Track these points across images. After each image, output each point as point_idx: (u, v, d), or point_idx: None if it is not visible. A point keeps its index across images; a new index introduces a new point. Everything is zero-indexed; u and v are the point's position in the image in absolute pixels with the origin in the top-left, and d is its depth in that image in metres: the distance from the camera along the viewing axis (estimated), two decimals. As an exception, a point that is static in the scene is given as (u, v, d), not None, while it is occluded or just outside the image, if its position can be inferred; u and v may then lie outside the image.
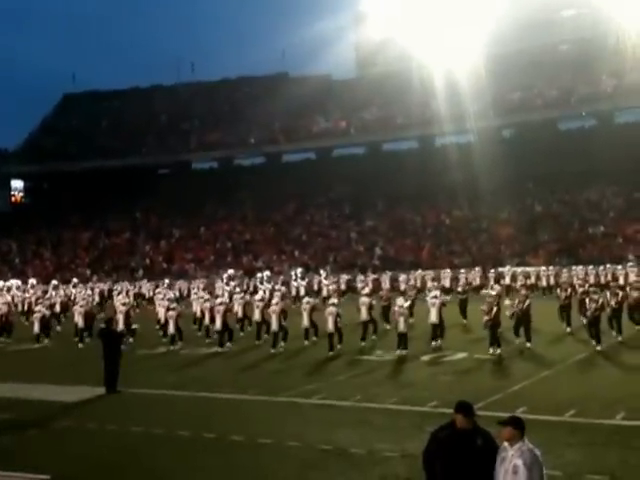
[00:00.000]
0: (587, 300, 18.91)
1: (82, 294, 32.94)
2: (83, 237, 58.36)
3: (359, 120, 57.28)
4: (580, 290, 20.67)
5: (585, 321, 18.90)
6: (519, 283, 29.64)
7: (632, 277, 28.57)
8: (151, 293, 37.17)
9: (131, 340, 22.92)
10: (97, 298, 35.05)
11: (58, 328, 28.29)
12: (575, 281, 27.49)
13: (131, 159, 60.41)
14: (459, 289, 26.23)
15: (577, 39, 53.13)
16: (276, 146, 59.10)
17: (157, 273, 48.66)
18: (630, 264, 35.55)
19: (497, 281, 32.73)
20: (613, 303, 19.82)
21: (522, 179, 47.58)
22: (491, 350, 17.94)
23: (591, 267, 35.40)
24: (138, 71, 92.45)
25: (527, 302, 19.29)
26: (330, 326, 19.72)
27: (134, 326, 23.66)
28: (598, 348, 17.81)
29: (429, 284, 30.93)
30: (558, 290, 22.49)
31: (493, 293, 20.32)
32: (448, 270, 38.62)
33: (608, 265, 35.19)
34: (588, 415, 11.78)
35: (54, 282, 40.14)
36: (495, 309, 18.48)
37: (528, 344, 18.78)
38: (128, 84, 70.40)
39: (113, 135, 63.64)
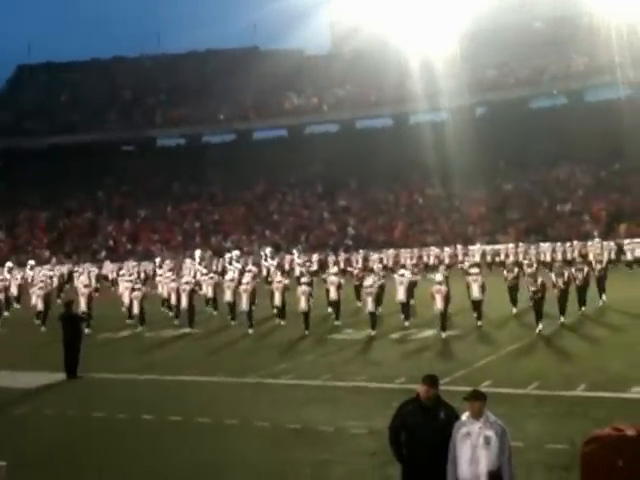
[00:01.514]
0: (527, 282, 18.36)
1: (40, 276, 31.79)
2: (41, 217, 56.35)
3: (332, 97, 56.77)
4: (528, 271, 20.25)
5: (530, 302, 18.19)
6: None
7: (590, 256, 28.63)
8: (115, 275, 36.44)
9: (88, 325, 21.49)
10: (56, 281, 34.09)
11: (6, 313, 26.82)
12: (524, 260, 27.63)
13: (92, 135, 58.15)
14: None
15: (550, 18, 53.18)
16: (246, 123, 57.97)
17: (121, 254, 47.74)
18: (596, 241, 36.03)
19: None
20: (580, 278, 20.14)
21: (493, 158, 47.75)
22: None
23: (559, 244, 35.79)
24: (99, 41, 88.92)
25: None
26: (303, 305, 19.64)
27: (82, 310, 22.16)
28: (540, 328, 17.26)
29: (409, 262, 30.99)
30: (505, 271, 22.13)
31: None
32: (433, 247, 38.72)
33: (575, 242, 35.62)
34: (550, 388, 12.02)
35: (9, 264, 38.81)
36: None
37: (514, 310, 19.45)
38: (88, 55, 67.78)
39: (73, 109, 61.18)
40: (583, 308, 19.77)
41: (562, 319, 18.31)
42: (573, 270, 20.16)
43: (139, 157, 59.86)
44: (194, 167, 56.30)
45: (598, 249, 34.17)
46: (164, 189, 55.85)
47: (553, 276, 19.26)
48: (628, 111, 42.92)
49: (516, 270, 21.62)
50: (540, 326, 17.34)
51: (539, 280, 17.86)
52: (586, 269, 20.93)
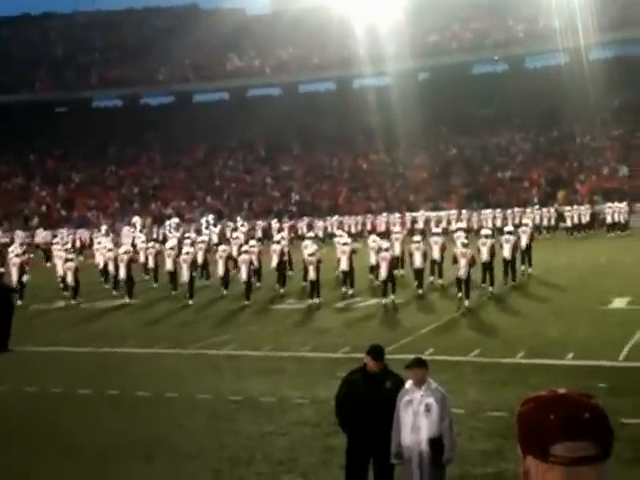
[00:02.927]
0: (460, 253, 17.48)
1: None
2: (-34, 182, 54.26)
3: (275, 59, 55.78)
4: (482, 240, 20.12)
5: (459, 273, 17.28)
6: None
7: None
8: (48, 243, 35.12)
9: (20, 296, 20.57)
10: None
11: None
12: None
13: (23, 95, 55.82)
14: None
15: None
16: (186, 84, 56.64)
17: (55, 221, 46.23)
18: (536, 207, 36.76)
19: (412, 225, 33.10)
20: (524, 242, 20.62)
21: (436, 123, 48.01)
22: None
23: (499, 210, 36.37)
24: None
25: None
26: (244, 275, 19.36)
27: (25, 278, 21.60)
28: (466, 304, 16.76)
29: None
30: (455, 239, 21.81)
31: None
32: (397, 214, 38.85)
33: (516, 209, 36.24)
34: (491, 355, 12.19)
35: None
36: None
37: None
38: (17, 10, 65.39)
39: (1, 67, 58.40)
40: (517, 277, 19.92)
41: (491, 289, 18.24)
42: (504, 238, 19.87)
43: (73, 119, 57.58)
44: (132, 130, 54.63)
45: (537, 216, 34.96)
46: (100, 153, 54.15)
47: (481, 245, 18.88)
48: (566, 78, 43.62)
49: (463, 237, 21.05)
50: (468, 301, 16.94)
51: (468, 251, 17.30)
52: (529, 231, 21.43)
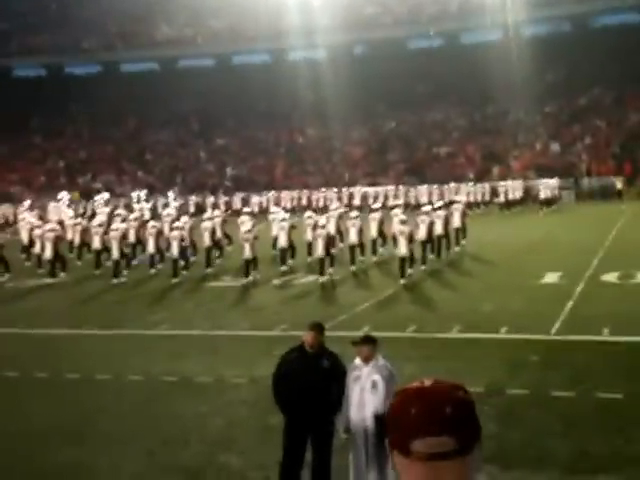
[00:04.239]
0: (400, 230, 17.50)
1: None
2: None
3: (207, 29, 54.29)
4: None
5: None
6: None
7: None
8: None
9: None
10: None
11: None
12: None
13: None
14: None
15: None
16: (113, 53, 54.47)
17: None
18: (470, 183, 37.31)
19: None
20: (457, 220, 20.94)
21: (373, 98, 47.97)
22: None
23: (435, 186, 36.74)
24: None
25: None
26: (174, 251, 18.88)
27: None
28: (401, 282, 16.66)
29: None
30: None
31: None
32: (360, 188, 38.49)
33: (452, 184, 36.69)
34: (427, 330, 12.32)
35: None
36: None
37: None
38: None
39: None
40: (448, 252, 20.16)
41: (423, 267, 18.23)
42: (436, 215, 19.85)
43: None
44: (56, 101, 52.31)
45: (472, 192, 35.52)
46: (23, 124, 51.78)
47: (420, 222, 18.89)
48: (500, 55, 44.23)
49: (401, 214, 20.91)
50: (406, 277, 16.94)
51: (407, 228, 17.30)
52: (462, 208, 21.82)
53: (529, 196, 36.31)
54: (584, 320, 12.39)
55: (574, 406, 8.48)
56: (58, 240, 20.42)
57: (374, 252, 20.10)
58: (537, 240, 23.21)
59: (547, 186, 34.98)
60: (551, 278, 16.43)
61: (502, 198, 35.07)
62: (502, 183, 36.64)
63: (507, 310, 13.54)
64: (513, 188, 35.77)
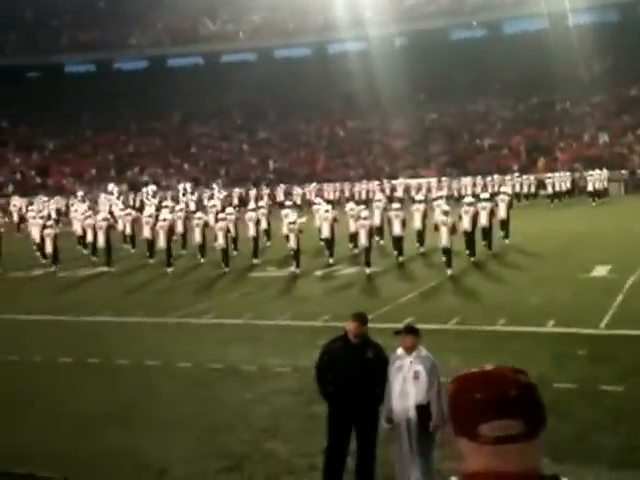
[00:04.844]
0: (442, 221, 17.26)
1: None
2: (-63, 149, 53.03)
3: (248, 24, 54.69)
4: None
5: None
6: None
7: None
8: (24, 210, 34.60)
9: None
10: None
11: None
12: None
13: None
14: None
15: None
16: (160, 49, 55.40)
17: (30, 189, 45.39)
18: (516, 175, 36.74)
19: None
20: (502, 211, 20.67)
21: (415, 90, 47.60)
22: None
23: (479, 178, 36.30)
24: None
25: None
26: (221, 241, 19.12)
27: None
28: (448, 272, 16.61)
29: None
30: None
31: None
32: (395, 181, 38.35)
33: (496, 176, 36.19)
34: (471, 322, 12.17)
35: None
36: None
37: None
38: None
39: (-32, 33, 57.04)
40: (498, 243, 19.95)
41: (472, 259, 18.11)
42: (481, 206, 19.53)
43: (46, 84, 56.32)
44: (105, 95, 53.54)
45: (517, 184, 34.97)
46: (73, 119, 53.04)
47: (464, 213, 18.61)
48: (546, 44, 43.40)
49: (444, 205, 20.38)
50: (450, 269, 16.78)
51: (449, 219, 17.09)
52: (508, 199, 21.51)
53: (577, 188, 35.65)
54: (634, 314, 12.08)
55: (623, 401, 8.32)
56: (109, 230, 20.93)
57: (421, 243, 19.96)
58: (585, 232, 22.70)
59: (597, 178, 34.24)
60: (600, 271, 16.06)
61: (549, 190, 34.44)
62: (549, 175, 36.01)
63: (554, 303, 13.25)
64: (560, 180, 35.15)
